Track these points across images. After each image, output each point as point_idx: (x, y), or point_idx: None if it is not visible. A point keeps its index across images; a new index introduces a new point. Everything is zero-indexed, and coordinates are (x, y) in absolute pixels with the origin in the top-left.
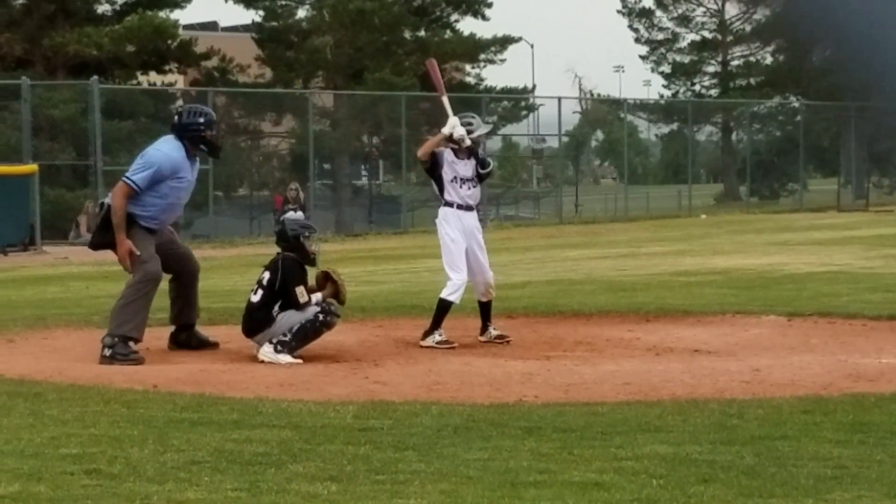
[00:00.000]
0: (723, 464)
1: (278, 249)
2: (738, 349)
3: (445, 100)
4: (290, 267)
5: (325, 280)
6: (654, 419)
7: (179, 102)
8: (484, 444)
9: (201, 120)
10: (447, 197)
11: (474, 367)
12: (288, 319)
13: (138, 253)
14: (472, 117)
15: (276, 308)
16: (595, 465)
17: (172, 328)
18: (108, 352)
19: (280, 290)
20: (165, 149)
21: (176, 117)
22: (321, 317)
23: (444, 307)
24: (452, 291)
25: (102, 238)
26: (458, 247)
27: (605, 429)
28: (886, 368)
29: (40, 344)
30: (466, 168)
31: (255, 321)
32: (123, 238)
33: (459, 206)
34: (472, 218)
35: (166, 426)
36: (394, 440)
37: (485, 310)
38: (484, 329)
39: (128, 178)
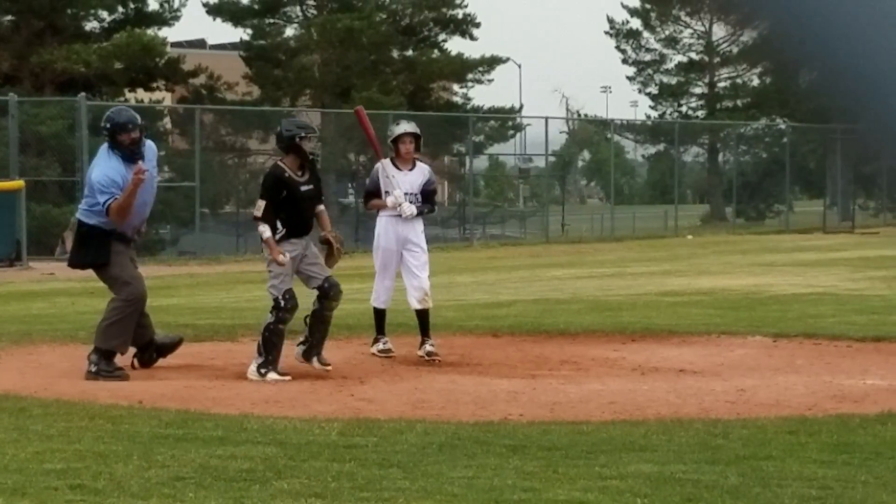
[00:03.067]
0: (707, 483)
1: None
2: (723, 369)
3: (378, 149)
4: (267, 176)
5: (324, 243)
6: (639, 438)
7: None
8: (469, 461)
9: (130, 125)
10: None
11: (459, 385)
12: (270, 274)
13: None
14: (401, 121)
15: (279, 225)
16: (580, 483)
17: (133, 350)
18: (93, 367)
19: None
20: (104, 169)
21: (107, 124)
22: (275, 314)
23: (376, 314)
24: (376, 298)
25: (80, 258)
26: (386, 254)
27: (590, 448)
28: (871, 389)
29: (25, 359)
30: (405, 181)
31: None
32: (131, 189)
33: (392, 216)
34: (404, 225)
35: (151, 442)
36: (379, 457)
37: (421, 320)
38: (421, 343)
39: (104, 205)
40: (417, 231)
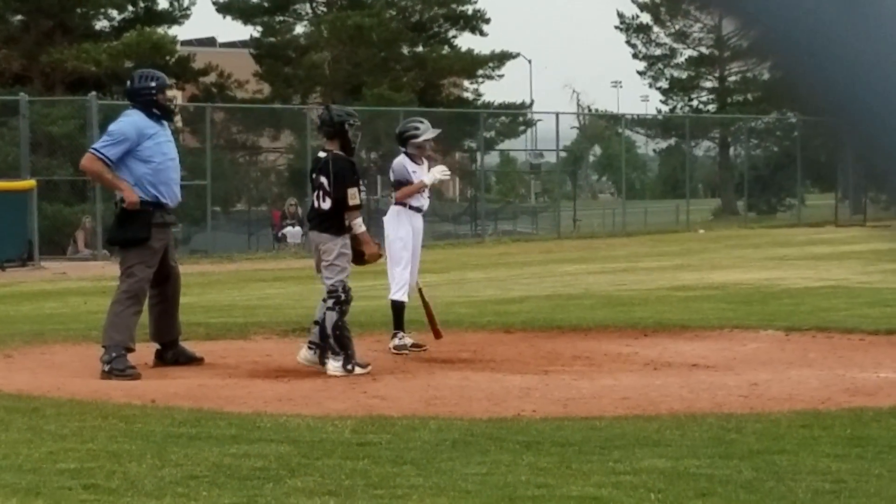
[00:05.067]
0: (721, 478)
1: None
2: (736, 364)
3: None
4: (343, 166)
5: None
6: (653, 433)
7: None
8: (482, 458)
9: (152, 84)
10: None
11: (472, 382)
12: (333, 263)
13: (137, 199)
14: (420, 122)
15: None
16: (593, 479)
17: (156, 346)
18: (106, 367)
19: (333, 190)
20: (122, 118)
21: (128, 83)
22: (339, 309)
23: (395, 308)
24: (397, 290)
25: (120, 234)
26: (406, 245)
27: (604, 443)
28: (884, 383)
29: (38, 359)
30: (423, 173)
31: (326, 225)
32: (124, 185)
33: (411, 207)
34: (419, 220)
35: (164, 441)
36: (392, 455)
37: (396, 312)
38: (392, 336)
39: (94, 149)
40: (421, 226)
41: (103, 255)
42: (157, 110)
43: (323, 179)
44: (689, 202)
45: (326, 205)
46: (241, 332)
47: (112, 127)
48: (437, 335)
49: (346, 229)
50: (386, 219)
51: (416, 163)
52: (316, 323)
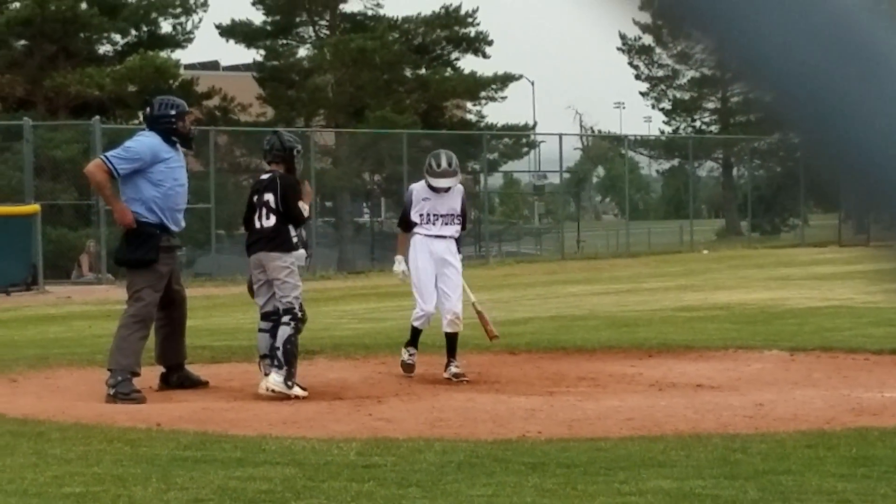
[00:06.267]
0: (727, 498)
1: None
2: (740, 384)
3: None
4: (291, 182)
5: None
6: (658, 454)
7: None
8: (488, 480)
9: (172, 112)
10: (416, 227)
11: (477, 404)
12: (287, 283)
13: (132, 219)
14: (443, 161)
15: (292, 232)
16: (599, 500)
17: (162, 369)
18: (111, 391)
19: (285, 209)
20: (140, 138)
21: (148, 109)
22: (294, 325)
23: (413, 328)
24: (416, 317)
25: (128, 255)
26: (426, 274)
27: (609, 464)
28: (889, 402)
29: (43, 383)
30: (443, 204)
31: (276, 243)
32: (119, 205)
33: (426, 235)
34: (439, 244)
35: (170, 464)
36: (397, 477)
37: (449, 343)
38: (447, 365)
39: (106, 156)
40: (452, 250)
41: (108, 279)
42: (176, 138)
43: (269, 196)
44: (692, 223)
45: (270, 222)
46: (245, 355)
47: (129, 143)
48: (490, 335)
49: (293, 246)
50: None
51: (434, 191)
52: (263, 356)
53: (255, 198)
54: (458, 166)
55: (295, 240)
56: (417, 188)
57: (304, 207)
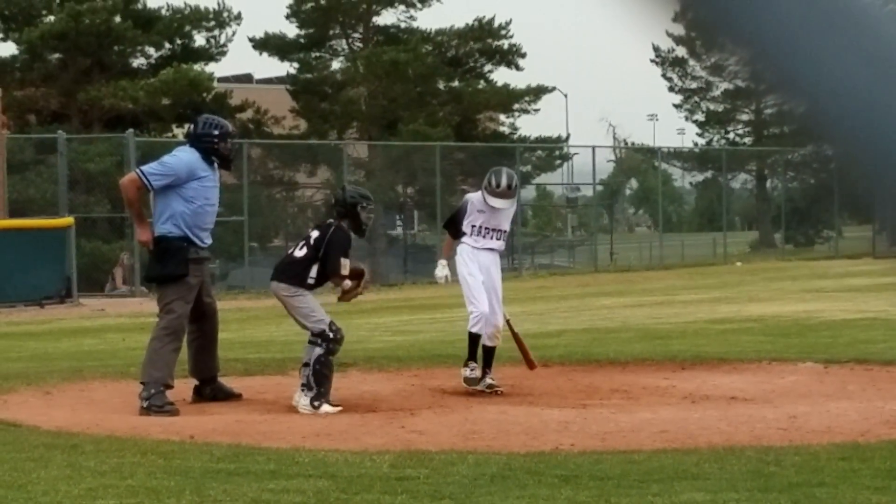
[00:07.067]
0: None
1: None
2: (774, 396)
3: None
4: (341, 236)
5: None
6: (691, 467)
7: None
8: (521, 492)
9: (216, 132)
10: (464, 237)
11: (510, 416)
12: (304, 311)
13: (149, 240)
14: (504, 179)
15: (314, 273)
16: None
17: (195, 382)
18: (144, 403)
19: (323, 256)
20: (179, 153)
21: (191, 127)
22: (325, 346)
23: (470, 339)
24: (473, 323)
25: (158, 271)
26: (475, 280)
27: (642, 477)
28: None
29: (77, 396)
30: (496, 220)
31: (289, 273)
32: (143, 224)
33: (474, 247)
34: (486, 256)
35: (203, 477)
36: (430, 489)
37: (486, 355)
38: (482, 376)
39: (141, 170)
40: (497, 263)
41: (141, 292)
42: (216, 158)
43: (315, 234)
44: (725, 235)
45: (301, 253)
46: (278, 367)
47: (167, 158)
48: (531, 365)
49: (305, 285)
50: (455, 258)
51: (489, 205)
52: (305, 364)
53: (310, 232)
54: (518, 187)
55: (311, 281)
56: (474, 199)
57: (345, 267)
